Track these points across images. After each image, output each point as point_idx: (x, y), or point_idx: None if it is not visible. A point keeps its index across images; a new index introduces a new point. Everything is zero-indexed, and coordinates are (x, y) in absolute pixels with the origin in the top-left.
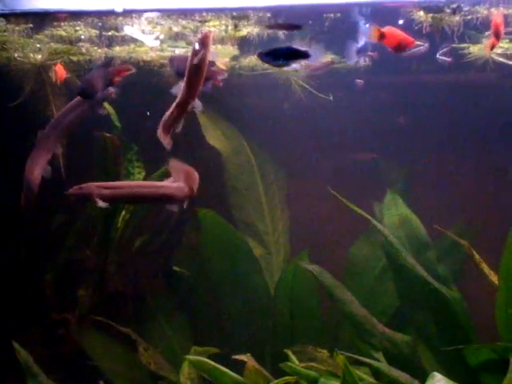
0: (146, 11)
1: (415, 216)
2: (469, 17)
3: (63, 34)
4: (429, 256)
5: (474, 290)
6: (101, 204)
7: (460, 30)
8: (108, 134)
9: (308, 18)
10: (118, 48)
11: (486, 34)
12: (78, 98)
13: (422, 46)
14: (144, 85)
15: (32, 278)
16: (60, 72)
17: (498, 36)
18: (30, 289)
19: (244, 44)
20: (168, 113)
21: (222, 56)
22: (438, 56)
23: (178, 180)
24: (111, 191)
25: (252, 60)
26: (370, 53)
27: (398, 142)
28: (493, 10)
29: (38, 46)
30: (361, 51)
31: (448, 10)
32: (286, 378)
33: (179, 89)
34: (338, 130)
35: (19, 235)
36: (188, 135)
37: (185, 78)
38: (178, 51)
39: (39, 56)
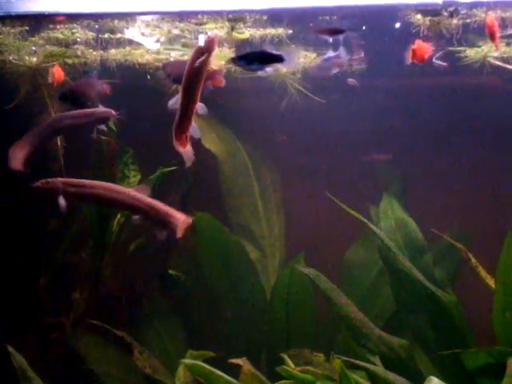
0: (142, 14)
1: (411, 219)
2: (467, 20)
3: (60, 36)
4: (425, 259)
5: (469, 294)
6: (61, 202)
7: (459, 33)
8: (104, 137)
9: (305, 21)
10: (113, 51)
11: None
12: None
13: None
14: (139, 87)
15: (27, 281)
16: (58, 74)
17: (493, 37)
18: (25, 292)
19: (241, 46)
20: (175, 122)
21: (217, 59)
22: (433, 60)
23: None
24: (76, 189)
25: None
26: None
27: (393, 144)
28: (490, 12)
29: (34, 48)
30: (328, 60)
31: (445, 13)
32: (283, 381)
33: (175, 102)
34: (334, 133)
35: (14, 238)
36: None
37: (183, 81)
38: (174, 54)
39: (34, 59)
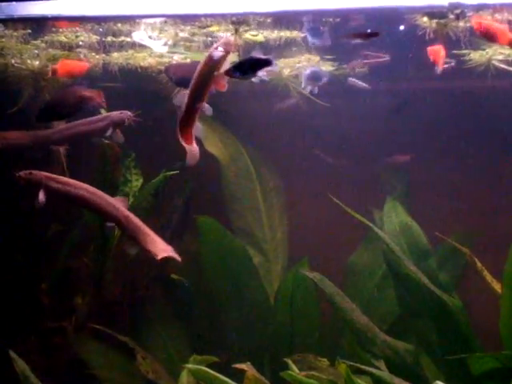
0: (145, 17)
1: (415, 223)
2: (467, 24)
3: (64, 39)
4: (429, 263)
5: (473, 298)
6: (41, 197)
7: (466, 35)
8: (107, 141)
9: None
10: (115, 54)
11: None
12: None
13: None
14: (141, 91)
15: (29, 286)
16: (79, 65)
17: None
18: (27, 297)
19: (247, 50)
20: (178, 120)
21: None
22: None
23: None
24: (59, 186)
25: None
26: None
27: (397, 148)
28: (496, 15)
29: (36, 52)
30: (311, 79)
31: (451, 16)
32: None
33: (180, 99)
34: (337, 136)
35: (16, 243)
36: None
37: (193, 81)
38: (177, 57)
39: (37, 62)
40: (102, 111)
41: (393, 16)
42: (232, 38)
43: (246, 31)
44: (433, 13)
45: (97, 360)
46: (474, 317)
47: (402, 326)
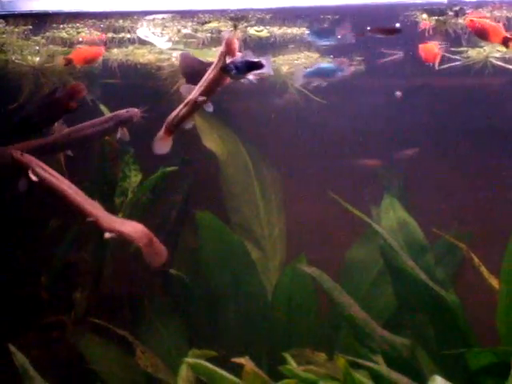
0: (144, 13)
1: (413, 219)
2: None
3: (65, 35)
4: (427, 259)
5: (469, 293)
6: (23, 181)
7: (466, 33)
8: (106, 137)
9: (307, 19)
10: (115, 50)
11: None
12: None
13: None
14: (140, 87)
15: (28, 280)
16: (95, 50)
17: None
18: (26, 291)
19: (246, 46)
20: (176, 111)
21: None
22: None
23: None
24: (44, 174)
25: None
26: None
27: (395, 145)
28: (495, 12)
29: (37, 48)
30: (308, 76)
31: (450, 13)
32: (286, 380)
33: (188, 90)
34: (334, 134)
35: (15, 237)
36: (184, 138)
37: (207, 77)
38: (176, 54)
39: (37, 58)
40: (104, 111)
41: (392, 12)
42: (235, 39)
43: (250, 27)
44: (432, 10)
45: (96, 354)
46: (470, 312)
47: (399, 321)
